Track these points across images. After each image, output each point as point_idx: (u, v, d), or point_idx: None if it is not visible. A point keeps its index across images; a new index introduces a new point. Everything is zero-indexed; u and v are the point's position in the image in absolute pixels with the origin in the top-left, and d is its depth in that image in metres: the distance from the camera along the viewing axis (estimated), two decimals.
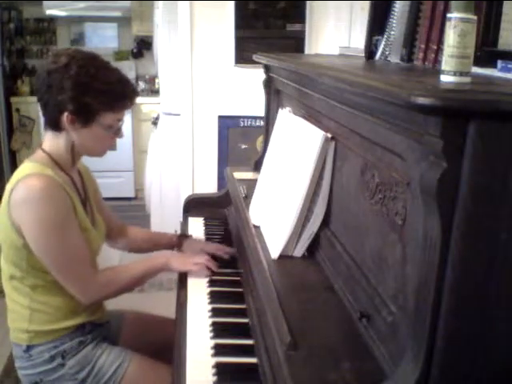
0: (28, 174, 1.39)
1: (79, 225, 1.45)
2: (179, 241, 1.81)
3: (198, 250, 1.71)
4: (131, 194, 5.10)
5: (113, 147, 1.55)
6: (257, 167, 2.03)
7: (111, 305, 1.71)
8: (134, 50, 5.63)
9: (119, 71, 1.49)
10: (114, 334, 1.64)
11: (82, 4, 5.10)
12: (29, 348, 1.47)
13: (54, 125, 1.45)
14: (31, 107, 5.03)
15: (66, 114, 1.40)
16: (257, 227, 1.57)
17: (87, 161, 1.63)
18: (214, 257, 1.66)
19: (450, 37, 0.78)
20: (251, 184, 1.85)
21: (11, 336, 1.51)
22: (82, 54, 1.45)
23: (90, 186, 1.66)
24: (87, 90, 1.40)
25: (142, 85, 5.46)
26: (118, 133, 1.52)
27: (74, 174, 1.56)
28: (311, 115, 1.48)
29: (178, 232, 1.93)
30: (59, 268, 1.42)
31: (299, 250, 1.38)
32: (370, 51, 1.55)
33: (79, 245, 1.44)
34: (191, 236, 1.88)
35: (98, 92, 1.41)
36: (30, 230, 1.38)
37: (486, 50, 1.03)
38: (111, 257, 3.62)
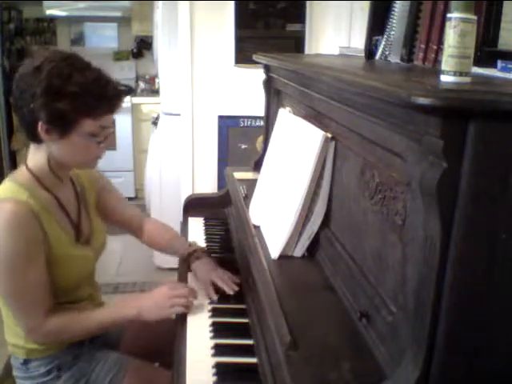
0: (1, 199, 1.29)
1: (58, 252, 1.35)
2: (188, 259, 1.68)
3: (205, 277, 1.57)
4: (131, 194, 5.10)
5: (101, 156, 1.39)
6: (257, 167, 2.03)
7: None
8: (134, 50, 5.62)
9: (100, 71, 1.32)
10: (115, 335, 1.64)
11: (81, 4, 5.10)
12: (26, 362, 1.45)
13: (32, 136, 1.31)
14: None
15: (40, 123, 1.26)
16: (257, 227, 1.57)
17: None
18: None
19: (450, 37, 0.78)
20: (251, 184, 1.85)
21: (9, 347, 1.48)
22: (58, 54, 1.30)
23: (92, 195, 1.55)
24: (60, 95, 1.24)
25: (142, 85, 5.45)
26: (104, 141, 1.35)
27: (64, 190, 1.43)
28: (311, 115, 1.48)
29: (194, 242, 1.80)
30: (9, 301, 1.35)
31: (299, 250, 1.38)
32: (370, 51, 1.55)
33: (37, 283, 1.32)
34: (203, 255, 1.67)
35: (73, 96, 1.25)
36: None
37: (486, 50, 1.03)
38: (112, 257, 3.63)
